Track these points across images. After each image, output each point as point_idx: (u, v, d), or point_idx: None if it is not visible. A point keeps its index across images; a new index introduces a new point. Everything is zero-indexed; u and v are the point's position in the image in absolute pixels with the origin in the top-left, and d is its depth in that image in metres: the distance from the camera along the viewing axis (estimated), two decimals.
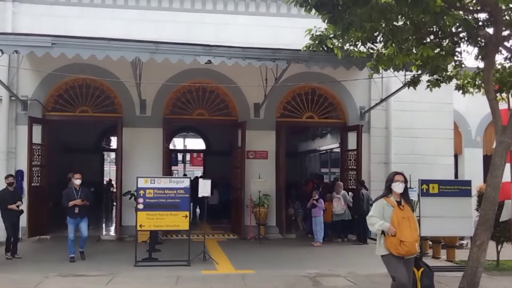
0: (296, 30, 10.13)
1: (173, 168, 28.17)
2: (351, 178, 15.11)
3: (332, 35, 9.19)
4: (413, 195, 10.59)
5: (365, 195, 13.63)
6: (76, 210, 10.70)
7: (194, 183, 13.82)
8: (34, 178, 13.55)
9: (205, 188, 11.21)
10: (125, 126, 14.05)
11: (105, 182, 24.64)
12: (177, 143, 30.99)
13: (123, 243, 13.00)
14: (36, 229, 13.34)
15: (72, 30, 12.68)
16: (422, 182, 9.44)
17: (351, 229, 14.19)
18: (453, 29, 8.88)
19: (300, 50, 10.48)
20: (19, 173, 13.41)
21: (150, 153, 14.01)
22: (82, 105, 14.30)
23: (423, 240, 10.73)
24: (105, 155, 25.37)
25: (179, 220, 10.47)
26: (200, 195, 11.34)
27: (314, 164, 22.85)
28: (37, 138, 13.62)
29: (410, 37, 8.73)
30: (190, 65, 13.39)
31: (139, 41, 11.25)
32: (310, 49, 9.72)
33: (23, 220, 12.75)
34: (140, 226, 10.38)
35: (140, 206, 10.37)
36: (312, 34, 9.53)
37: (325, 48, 9.52)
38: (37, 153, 13.65)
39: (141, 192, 10.37)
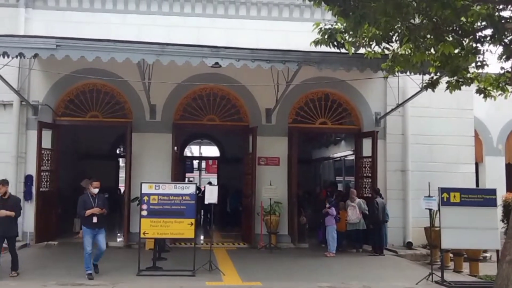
0: (309, 35, 9.32)
1: (189, 175, 28.59)
2: (366, 186, 14.21)
3: (343, 30, 8.31)
4: (433, 204, 9.80)
5: (380, 204, 12.72)
6: (95, 220, 9.35)
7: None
8: (43, 183, 13.08)
9: (211, 195, 10.46)
10: (134, 131, 13.46)
11: (122, 189, 23.93)
12: (194, 150, 30.81)
13: (131, 250, 12.20)
14: (44, 234, 12.80)
15: (83, 35, 12.00)
16: (443, 190, 8.62)
17: (366, 239, 13.29)
18: (475, 26, 7.98)
19: (311, 52, 9.70)
20: (29, 178, 13.03)
21: (159, 159, 13.39)
22: (92, 110, 13.76)
23: (443, 252, 9.87)
24: (121, 161, 24.65)
25: (184, 228, 9.76)
26: (206, 201, 10.58)
27: (328, 172, 21.94)
28: (47, 143, 13.15)
29: (428, 35, 7.86)
30: (200, 70, 13.21)
31: (145, 42, 10.65)
32: (319, 44, 8.81)
33: (30, 226, 12.61)
34: (144, 233, 9.71)
35: (144, 213, 9.71)
36: (321, 28, 8.68)
37: (335, 44, 8.64)
38: (46, 158, 13.17)
39: (145, 198, 9.76)
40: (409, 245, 13.71)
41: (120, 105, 13.84)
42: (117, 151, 24.12)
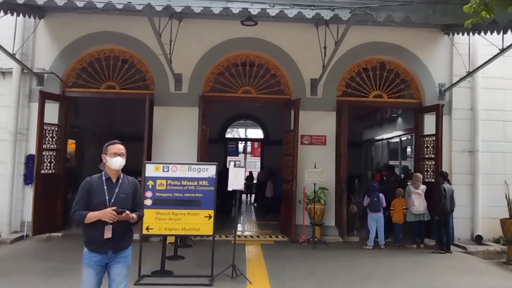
0: None
1: (234, 158, 28.16)
2: (428, 169, 12.91)
3: None
4: None
5: (448, 191, 11.41)
6: (107, 234, 4.96)
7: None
8: (45, 164, 12.02)
9: (236, 180, 8.69)
10: (156, 105, 12.50)
11: None
12: (241, 133, 30.41)
13: (147, 244, 10.53)
14: (44, 225, 11.73)
15: None
16: None
17: (428, 232, 12.00)
18: None
19: None
20: (31, 158, 11.99)
21: (185, 137, 12.34)
22: (108, 80, 12.83)
23: None
24: None
25: (200, 222, 8.18)
26: (230, 188, 8.75)
27: (381, 154, 20.35)
28: (53, 118, 12.23)
29: None
30: (233, 34, 12.54)
31: None
32: None
33: (28, 215, 11.63)
34: (147, 229, 8.14)
35: (148, 202, 8.09)
36: None
37: None
38: (50, 134, 12.16)
39: (150, 183, 8.18)
40: (478, 239, 12.50)
41: (141, 75, 12.90)
42: None
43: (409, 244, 11.85)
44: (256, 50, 12.80)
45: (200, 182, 8.22)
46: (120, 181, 5.16)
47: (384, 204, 11.95)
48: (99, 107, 18.10)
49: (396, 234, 12.08)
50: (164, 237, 8.76)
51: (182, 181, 8.21)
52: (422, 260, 10.59)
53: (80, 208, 4.98)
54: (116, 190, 5.08)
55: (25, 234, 11.49)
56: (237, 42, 12.59)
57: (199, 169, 8.31)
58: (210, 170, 8.33)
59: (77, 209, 4.98)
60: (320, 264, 9.81)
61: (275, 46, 12.65)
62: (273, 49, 12.67)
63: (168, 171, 8.22)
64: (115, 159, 5.11)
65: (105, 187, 5.05)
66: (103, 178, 5.12)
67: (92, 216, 4.89)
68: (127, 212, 4.93)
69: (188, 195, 8.19)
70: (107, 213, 4.84)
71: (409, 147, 17.20)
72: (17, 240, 11.32)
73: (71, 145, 17.49)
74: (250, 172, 21.87)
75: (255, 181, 22.47)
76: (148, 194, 8.13)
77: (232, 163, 23.58)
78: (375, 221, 11.81)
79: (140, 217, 5.28)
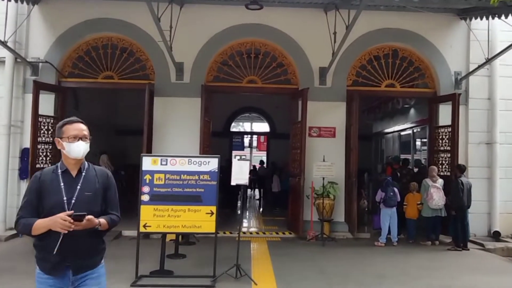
0: None
1: (240, 153, 28.26)
2: (444, 162, 12.39)
3: None
4: None
5: (465, 185, 10.87)
6: (57, 252, 3.49)
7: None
8: (41, 158, 11.56)
9: (240, 174, 8.10)
10: (157, 96, 12.02)
11: None
12: (246, 127, 30.01)
13: (147, 241, 10.17)
14: None
15: None
16: None
17: (443, 228, 11.51)
18: None
19: None
20: (26, 152, 11.53)
21: (187, 129, 11.86)
22: (106, 69, 12.35)
23: None
24: None
25: (201, 219, 7.60)
26: (233, 182, 8.17)
27: (392, 146, 19.82)
28: (48, 109, 11.76)
29: None
30: (237, 20, 12.13)
31: None
32: None
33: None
34: (145, 226, 7.58)
35: (145, 198, 7.58)
36: None
37: None
38: (46, 127, 11.67)
39: (147, 177, 7.61)
40: (495, 235, 11.99)
41: (141, 64, 12.39)
42: None
43: (423, 241, 11.33)
44: (262, 37, 12.29)
45: (201, 176, 7.65)
46: (83, 174, 3.68)
47: (399, 199, 11.44)
48: (100, 99, 17.72)
49: (410, 230, 11.57)
50: (164, 235, 8.21)
51: (182, 175, 7.64)
52: (438, 258, 10.07)
53: (27, 215, 3.53)
54: (78, 187, 3.60)
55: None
56: (241, 29, 12.10)
57: (200, 162, 7.74)
58: (212, 163, 7.76)
59: (22, 217, 3.54)
60: (329, 263, 9.29)
61: (282, 32, 12.15)
62: (279, 36, 12.17)
63: (166, 164, 7.66)
64: (75, 144, 3.61)
65: (62, 184, 3.58)
66: (59, 171, 3.65)
67: (39, 225, 3.44)
68: (89, 217, 3.42)
69: (188, 190, 7.63)
70: (58, 220, 3.34)
71: (419, 140, 16.75)
72: (12, 238, 10.89)
73: None
74: (254, 166, 21.53)
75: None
76: (145, 189, 7.60)
77: (237, 157, 23.24)
78: (389, 217, 11.29)
79: (114, 222, 3.74)
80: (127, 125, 18.92)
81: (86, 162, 3.76)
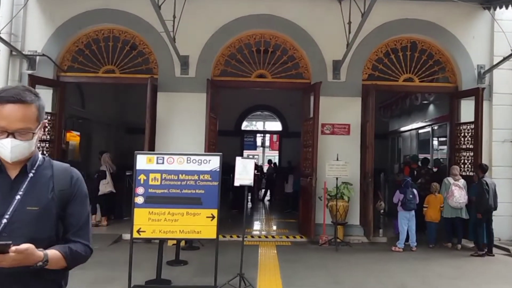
0: None
1: (252, 152, 27.99)
2: (466, 161, 11.77)
3: None
4: None
5: (490, 185, 10.24)
6: None
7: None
8: None
9: (244, 173, 7.42)
10: (160, 91, 11.53)
11: None
12: (259, 126, 29.89)
13: (148, 246, 9.50)
14: None
15: None
16: None
17: (466, 231, 10.91)
18: None
19: None
20: None
21: (192, 126, 11.37)
22: (107, 63, 11.88)
23: None
24: None
25: (201, 223, 6.91)
26: (236, 183, 7.50)
27: (410, 145, 19.17)
28: (46, 105, 10.78)
29: None
30: (246, 11, 11.65)
31: None
32: None
33: None
34: (139, 231, 6.89)
35: (139, 200, 6.91)
36: None
37: None
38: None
39: (141, 177, 6.94)
40: None
41: (144, 57, 11.91)
42: None
43: (444, 243, 10.79)
44: (272, 29, 11.78)
45: (201, 176, 6.99)
46: (29, 176, 2.27)
47: (417, 201, 10.80)
48: (109, 96, 17.27)
49: (430, 234, 11.00)
50: (161, 241, 7.58)
51: (180, 175, 6.99)
52: (461, 265, 9.44)
53: None
54: (17, 197, 2.20)
55: None
56: (250, 20, 11.61)
57: (200, 161, 7.06)
58: (213, 162, 7.08)
59: None
60: (344, 270, 8.68)
61: (293, 24, 11.64)
62: (290, 28, 11.66)
63: (163, 163, 7.01)
64: (3, 142, 2.19)
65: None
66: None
67: None
68: (21, 247, 1.95)
69: (187, 191, 6.97)
70: None
71: (436, 138, 16.11)
72: None
73: (75, 138, 16.64)
74: (261, 166, 21.09)
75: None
76: (140, 190, 6.96)
77: (245, 155, 22.77)
78: (407, 221, 10.67)
79: (78, 256, 2.29)
80: (138, 123, 18.41)
81: (39, 156, 2.40)
